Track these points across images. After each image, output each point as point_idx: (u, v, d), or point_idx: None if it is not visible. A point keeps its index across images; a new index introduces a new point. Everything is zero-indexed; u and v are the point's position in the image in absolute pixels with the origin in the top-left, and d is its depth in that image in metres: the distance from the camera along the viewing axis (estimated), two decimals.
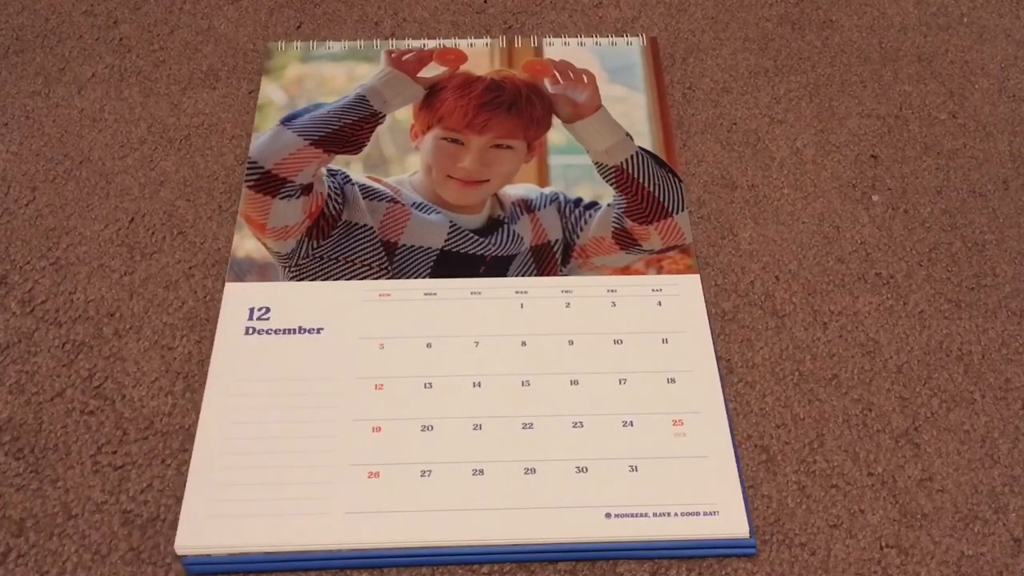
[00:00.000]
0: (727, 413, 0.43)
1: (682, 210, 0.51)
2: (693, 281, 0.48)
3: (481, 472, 0.41)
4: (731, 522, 0.40)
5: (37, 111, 0.55)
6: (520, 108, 0.54)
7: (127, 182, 0.52)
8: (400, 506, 0.40)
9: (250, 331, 0.45)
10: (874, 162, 0.54)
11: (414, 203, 0.50)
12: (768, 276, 0.49)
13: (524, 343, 0.45)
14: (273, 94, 0.55)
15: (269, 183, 0.50)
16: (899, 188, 0.53)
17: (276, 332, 0.45)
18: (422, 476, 0.41)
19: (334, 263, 0.48)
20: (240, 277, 0.47)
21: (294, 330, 0.45)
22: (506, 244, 0.49)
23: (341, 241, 0.49)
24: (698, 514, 0.40)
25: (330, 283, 0.47)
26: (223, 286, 0.47)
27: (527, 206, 0.51)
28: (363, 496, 0.40)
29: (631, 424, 0.42)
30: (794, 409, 0.44)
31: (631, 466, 0.41)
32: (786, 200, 0.52)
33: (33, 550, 0.39)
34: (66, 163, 0.53)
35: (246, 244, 0.49)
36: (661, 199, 0.51)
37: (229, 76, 0.57)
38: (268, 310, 0.46)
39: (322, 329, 0.45)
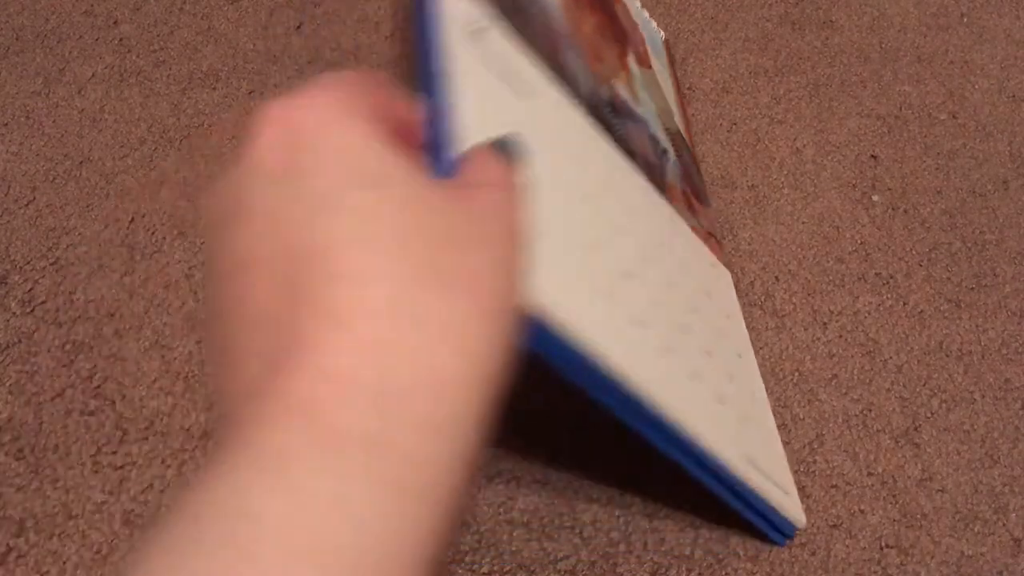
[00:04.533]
0: None
1: None
2: None
3: None
4: (795, 507, 0.39)
5: (37, 111, 0.55)
6: None
7: (127, 182, 0.52)
8: None
9: None
10: (874, 162, 0.54)
11: None
12: (768, 276, 0.49)
13: None
14: None
15: None
16: (899, 188, 0.53)
17: None
18: None
19: None
20: None
21: None
22: None
23: None
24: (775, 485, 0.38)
25: None
26: None
27: None
28: None
29: None
30: (794, 409, 0.44)
31: None
32: (786, 200, 0.52)
33: (33, 550, 0.39)
34: (66, 163, 0.53)
35: None
36: None
37: (229, 76, 0.57)
38: None
39: None
